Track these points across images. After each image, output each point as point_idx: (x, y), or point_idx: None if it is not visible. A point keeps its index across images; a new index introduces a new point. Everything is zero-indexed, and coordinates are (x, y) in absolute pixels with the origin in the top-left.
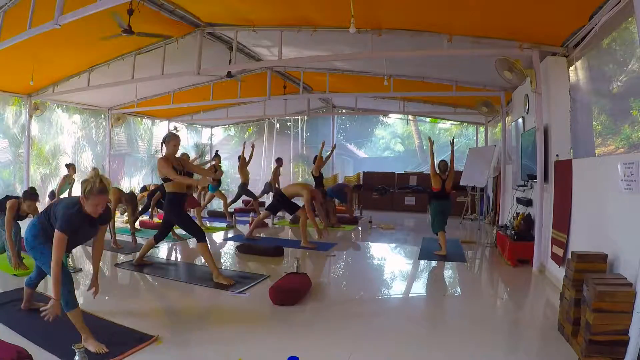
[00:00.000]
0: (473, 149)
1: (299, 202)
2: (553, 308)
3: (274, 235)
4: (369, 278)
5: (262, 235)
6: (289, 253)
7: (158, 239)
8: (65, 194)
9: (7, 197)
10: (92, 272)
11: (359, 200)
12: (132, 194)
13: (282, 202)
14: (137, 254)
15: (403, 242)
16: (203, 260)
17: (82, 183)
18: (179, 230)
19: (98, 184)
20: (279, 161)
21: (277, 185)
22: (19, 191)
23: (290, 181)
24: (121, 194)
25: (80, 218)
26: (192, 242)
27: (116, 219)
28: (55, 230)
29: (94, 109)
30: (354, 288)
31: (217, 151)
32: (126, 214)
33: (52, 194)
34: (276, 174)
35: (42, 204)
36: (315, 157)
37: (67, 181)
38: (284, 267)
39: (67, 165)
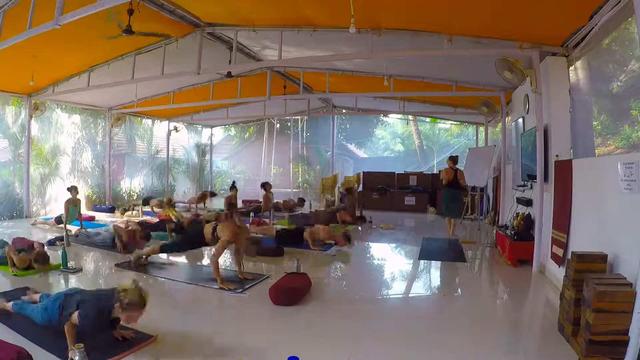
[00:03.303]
0: (473, 149)
1: None
2: (553, 308)
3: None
4: (369, 278)
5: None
6: (289, 253)
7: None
8: (74, 218)
9: None
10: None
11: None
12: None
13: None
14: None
15: (403, 242)
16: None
17: (120, 291)
18: None
19: (140, 299)
20: (268, 186)
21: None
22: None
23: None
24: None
25: (102, 319)
26: None
27: (118, 219)
28: (74, 314)
29: (93, 109)
30: (354, 288)
31: (234, 182)
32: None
33: (59, 219)
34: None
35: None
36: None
37: (72, 204)
38: (284, 267)
39: (70, 189)
